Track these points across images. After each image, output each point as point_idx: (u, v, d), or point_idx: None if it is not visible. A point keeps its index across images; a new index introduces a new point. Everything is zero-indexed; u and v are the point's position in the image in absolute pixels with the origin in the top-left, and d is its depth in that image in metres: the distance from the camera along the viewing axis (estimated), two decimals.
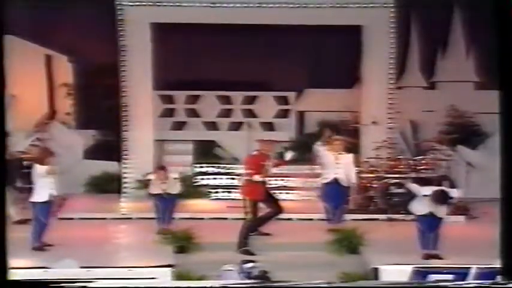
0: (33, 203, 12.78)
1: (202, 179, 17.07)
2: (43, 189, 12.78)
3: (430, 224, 12.10)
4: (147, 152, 16.63)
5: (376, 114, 16.30)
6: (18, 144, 16.08)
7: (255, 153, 13.39)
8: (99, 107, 18.05)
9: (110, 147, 17.23)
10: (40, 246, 12.50)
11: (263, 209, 13.33)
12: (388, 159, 15.81)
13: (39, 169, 12.89)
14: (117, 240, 13.74)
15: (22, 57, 15.88)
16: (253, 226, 13.02)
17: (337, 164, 14.06)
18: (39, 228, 12.68)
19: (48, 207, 12.80)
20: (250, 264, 10.53)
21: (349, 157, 14.19)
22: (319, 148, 14.37)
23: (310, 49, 18.43)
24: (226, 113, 18.71)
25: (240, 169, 16.67)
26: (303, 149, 17.85)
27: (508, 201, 8.12)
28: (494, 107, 8.19)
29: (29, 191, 15.79)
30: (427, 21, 18.04)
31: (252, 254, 12.30)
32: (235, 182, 16.78)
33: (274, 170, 13.49)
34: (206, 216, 14.87)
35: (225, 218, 14.64)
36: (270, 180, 13.48)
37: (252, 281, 10.19)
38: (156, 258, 11.52)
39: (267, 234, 13.34)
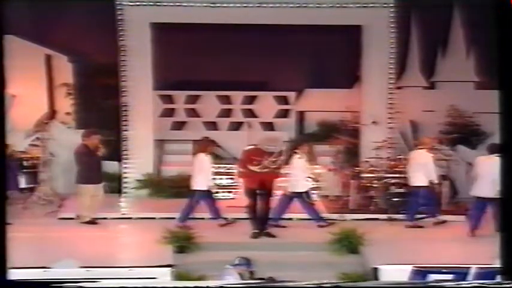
0: (195, 190, 14.06)
1: None
2: (204, 178, 14.05)
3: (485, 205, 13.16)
4: (147, 152, 16.64)
5: (376, 114, 16.30)
6: (18, 144, 16.09)
7: (251, 147, 13.63)
8: (99, 107, 18.04)
9: (110, 147, 17.22)
10: (183, 226, 13.59)
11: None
12: (388, 159, 15.82)
13: (201, 158, 14.07)
14: (117, 240, 13.74)
15: (22, 57, 15.86)
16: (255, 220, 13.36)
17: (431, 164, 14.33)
18: (187, 213, 13.98)
19: (208, 195, 14.10)
20: (238, 261, 10.53)
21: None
22: (414, 150, 14.65)
23: (310, 49, 18.43)
24: (226, 113, 18.71)
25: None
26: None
27: (508, 201, 8.12)
28: (494, 107, 8.18)
29: (30, 190, 15.94)
30: (427, 21, 18.04)
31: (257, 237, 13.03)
32: (235, 182, 16.83)
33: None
34: (207, 216, 14.85)
35: (225, 218, 14.63)
36: (270, 172, 13.55)
37: (252, 280, 10.20)
38: (156, 258, 11.51)
39: (272, 236, 13.40)
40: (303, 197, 14.12)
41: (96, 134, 14.73)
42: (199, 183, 14.11)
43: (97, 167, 14.60)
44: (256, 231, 13.37)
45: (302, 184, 14.14)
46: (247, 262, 10.49)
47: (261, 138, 14.25)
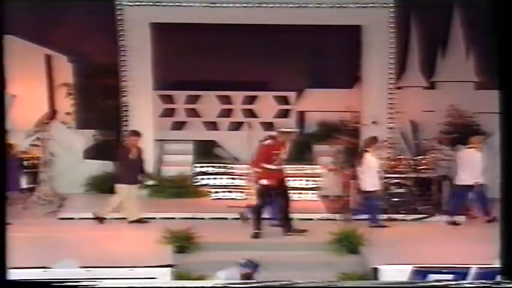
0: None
1: (202, 179, 17.07)
2: None
3: None
4: (147, 152, 16.63)
5: (376, 114, 16.30)
6: (18, 144, 16.08)
7: (268, 142, 13.64)
8: (99, 107, 18.06)
9: (110, 147, 17.23)
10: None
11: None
12: (388, 159, 15.81)
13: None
14: (117, 240, 13.73)
15: (22, 57, 15.87)
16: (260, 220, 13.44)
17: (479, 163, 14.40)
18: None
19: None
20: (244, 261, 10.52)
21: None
22: (464, 150, 14.81)
23: (310, 49, 18.43)
24: (226, 113, 18.71)
25: (241, 169, 16.81)
26: (303, 149, 17.90)
27: (508, 201, 8.11)
28: (494, 107, 8.18)
29: (30, 190, 15.92)
30: (427, 21, 18.05)
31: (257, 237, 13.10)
32: (235, 182, 16.84)
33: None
34: (206, 216, 14.86)
35: (225, 218, 14.64)
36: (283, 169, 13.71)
37: (252, 281, 10.19)
38: (156, 258, 11.51)
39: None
40: (373, 195, 14.22)
41: (137, 135, 14.74)
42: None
43: (136, 167, 14.62)
44: (287, 231, 13.46)
45: (373, 183, 14.18)
46: (254, 266, 10.44)
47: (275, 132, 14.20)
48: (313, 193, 16.20)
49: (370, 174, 14.25)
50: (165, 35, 16.33)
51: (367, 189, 14.27)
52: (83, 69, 18.44)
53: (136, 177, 14.63)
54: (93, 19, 16.99)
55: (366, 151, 14.40)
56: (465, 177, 14.47)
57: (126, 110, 16.16)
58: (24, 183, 16.13)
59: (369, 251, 12.37)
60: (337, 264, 11.97)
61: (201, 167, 17.24)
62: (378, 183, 14.30)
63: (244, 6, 15.98)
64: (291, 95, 18.75)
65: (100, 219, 14.37)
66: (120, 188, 14.43)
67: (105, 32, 16.56)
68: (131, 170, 14.50)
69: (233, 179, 16.96)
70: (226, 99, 18.73)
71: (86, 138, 17.93)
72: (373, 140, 14.66)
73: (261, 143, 14.00)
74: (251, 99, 18.80)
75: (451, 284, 9.93)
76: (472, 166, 14.42)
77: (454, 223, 14.32)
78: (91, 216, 14.68)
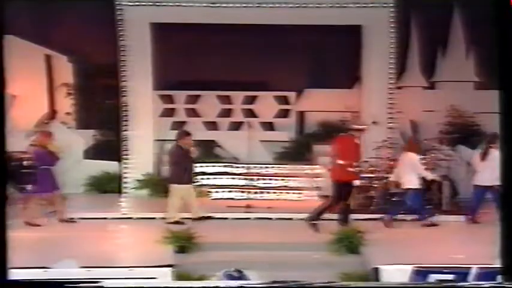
0: (407, 188, 14.22)
1: (202, 179, 17.07)
2: (415, 176, 14.20)
3: None
4: (147, 152, 16.65)
5: (376, 114, 16.30)
6: (18, 144, 16.06)
7: (344, 135, 13.76)
8: (99, 107, 18.06)
9: (110, 147, 17.23)
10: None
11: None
12: (388, 159, 15.81)
13: (410, 157, 14.32)
14: (117, 240, 13.73)
15: (22, 57, 15.87)
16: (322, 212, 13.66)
17: None
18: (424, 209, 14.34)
19: (417, 193, 14.26)
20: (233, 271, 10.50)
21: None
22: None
23: (310, 49, 18.43)
24: (226, 113, 18.71)
25: (240, 169, 16.82)
26: (303, 149, 17.91)
27: (508, 201, 8.11)
28: (494, 107, 8.18)
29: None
30: (427, 21, 18.04)
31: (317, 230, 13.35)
32: (235, 182, 16.84)
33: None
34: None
35: (225, 218, 14.63)
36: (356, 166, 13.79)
37: (253, 281, 10.19)
38: (157, 258, 11.51)
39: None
40: (493, 191, 14.13)
41: (189, 135, 14.72)
42: (411, 182, 14.28)
43: (189, 167, 14.59)
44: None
45: (495, 178, 14.06)
46: (238, 278, 10.41)
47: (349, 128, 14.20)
48: (313, 193, 16.19)
49: (494, 169, 14.11)
50: (165, 35, 16.34)
51: (486, 184, 14.19)
52: (83, 69, 18.45)
53: (191, 177, 14.66)
54: (93, 19, 16.99)
55: (491, 147, 14.22)
56: None
57: (126, 110, 16.16)
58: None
59: (369, 250, 12.37)
60: (337, 264, 11.95)
61: (201, 167, 17.23)
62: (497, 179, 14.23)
63: (244, 6, 15.97)
64: (291, 95, 18.76)
65: (178, 223, 14.18)
66: (177, 188, 14.38)
67: (105, 32, 16.56)
68: (187, 171, 14.49)
69: (233, 179, 16.96)
70: (226, 99, 18.73)
71: (86, 138, 17.93)
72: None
73: (352, 140, 13.78)
74: (251, 99, 18.81)
75: (452, 285, 9.93)
76: None
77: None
78: (91, 216, 14.69)
